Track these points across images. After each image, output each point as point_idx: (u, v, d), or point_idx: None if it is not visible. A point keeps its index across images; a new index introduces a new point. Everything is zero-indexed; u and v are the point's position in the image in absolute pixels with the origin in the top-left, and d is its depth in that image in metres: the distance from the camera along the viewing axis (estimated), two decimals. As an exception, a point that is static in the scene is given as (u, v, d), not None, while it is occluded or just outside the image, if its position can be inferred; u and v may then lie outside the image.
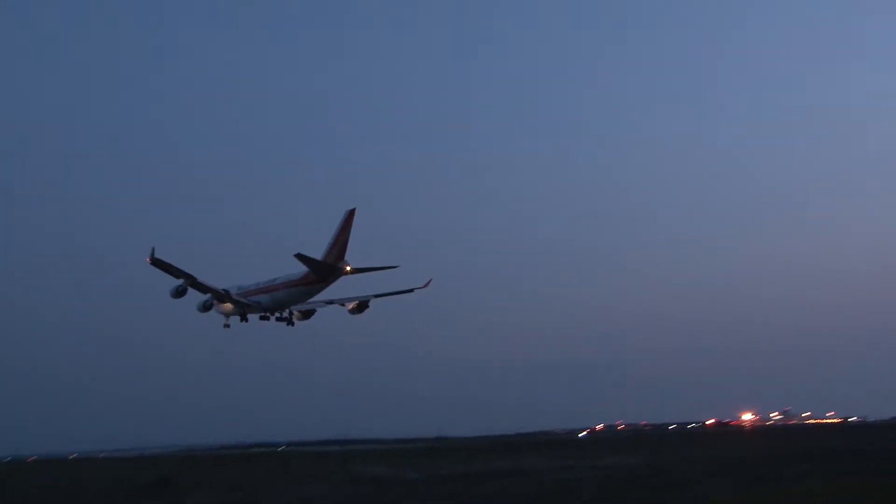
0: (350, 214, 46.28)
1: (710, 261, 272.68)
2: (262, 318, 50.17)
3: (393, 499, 31.65)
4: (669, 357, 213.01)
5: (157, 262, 44.69)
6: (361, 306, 48.97)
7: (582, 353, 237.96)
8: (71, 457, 67.39)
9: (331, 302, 49.37)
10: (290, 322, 49.88)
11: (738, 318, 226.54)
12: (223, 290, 47.96)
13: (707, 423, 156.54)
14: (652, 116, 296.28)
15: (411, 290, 49.99)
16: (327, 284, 47.22)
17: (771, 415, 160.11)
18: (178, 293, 45.89)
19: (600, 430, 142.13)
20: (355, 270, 47.05)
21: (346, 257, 46.60)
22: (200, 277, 46.21)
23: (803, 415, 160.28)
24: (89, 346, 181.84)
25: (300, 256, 45.37)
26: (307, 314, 50.51)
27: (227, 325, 50.29)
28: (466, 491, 32.74)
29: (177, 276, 45.57)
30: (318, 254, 45.13)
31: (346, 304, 49.09)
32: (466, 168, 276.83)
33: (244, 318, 50.04)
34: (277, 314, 49.56)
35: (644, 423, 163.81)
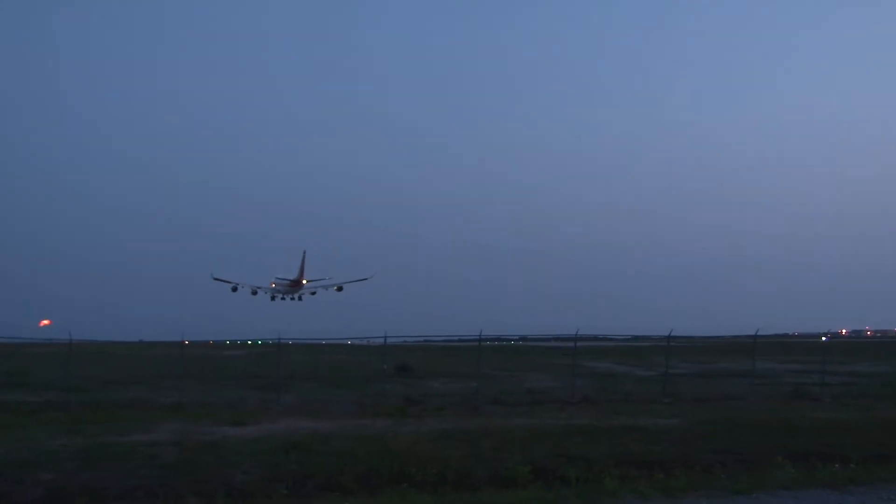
0: (304, 254, 78.85)
1: None
2: (281, 298, 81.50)
3: (625, 390, 32.64)
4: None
5: (216, 279, 78.03)
6: (339, 288, 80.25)
7: (829, 253, 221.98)
8: (323, 342, 73.97)
9: (323, 287, 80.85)
10: (299, 299, 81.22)
11: None
12: (256, 286, 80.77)
13: None
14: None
15: (366, 279, 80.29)
16: (301, 287, 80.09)
17: None
18: (233, 290, 78.85)
19: (845, 336, 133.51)
20: (309, 281, 79.91)
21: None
22: (241, 283, 79.51)
23: None
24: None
25: (277, 278, 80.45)
26: (313, 293, 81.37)
27: (272, 298, 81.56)
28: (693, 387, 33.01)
29: (229, 283, 78.49)
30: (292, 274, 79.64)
31: (330, 288, 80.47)
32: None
33: (272, 299, 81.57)
34: (289, 297, 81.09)
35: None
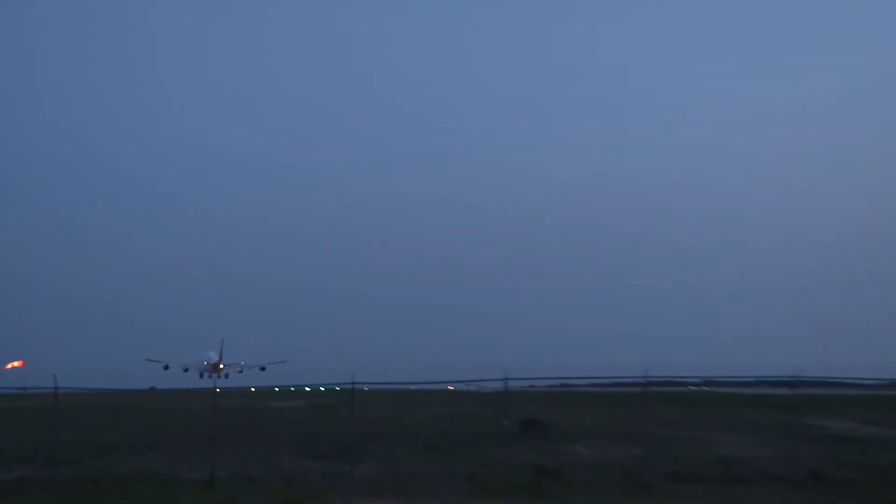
0: (222, 341, 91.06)
1: None
2: (209, 376, 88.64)
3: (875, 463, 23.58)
4: None
5: (148, 360, 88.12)
6: (263, 368, 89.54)
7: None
8: (412, 387, 70.45)
9: (248, 367, 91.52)
10: (226, 377, 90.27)
11: None
12: (186, 365, 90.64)
13: None
14: None
15: (284, 361, 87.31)
16: (220, 370, 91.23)
17: None
18: (165, 368, 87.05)
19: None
20: (226, 365, 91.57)
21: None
22: (171, 362, 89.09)
23: None
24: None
25: (207, 363, 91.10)
26: (240, 371, 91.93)
27: (201, 376, 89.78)
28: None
29: (160, 362, 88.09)
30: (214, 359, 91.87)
31: (253, 368, 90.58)
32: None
33: (200, 376, 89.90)
34: (215, 375, 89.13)
35: None
